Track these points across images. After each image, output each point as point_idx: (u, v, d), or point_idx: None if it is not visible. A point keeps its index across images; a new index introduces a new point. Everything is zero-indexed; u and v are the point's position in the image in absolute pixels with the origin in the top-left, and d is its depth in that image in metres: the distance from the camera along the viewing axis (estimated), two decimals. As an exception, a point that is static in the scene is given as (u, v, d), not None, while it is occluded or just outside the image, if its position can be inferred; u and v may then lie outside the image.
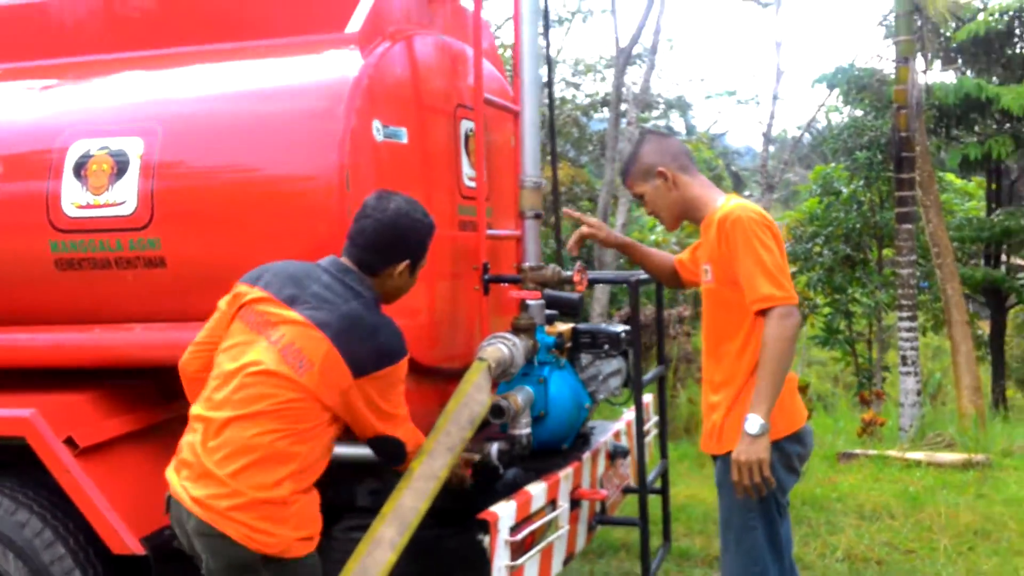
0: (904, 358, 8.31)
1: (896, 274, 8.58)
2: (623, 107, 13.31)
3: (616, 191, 12.26)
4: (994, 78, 14.70)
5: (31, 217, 3.20)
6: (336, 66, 3.14)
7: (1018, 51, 14.70)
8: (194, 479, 2.52)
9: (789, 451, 3.01)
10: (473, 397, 3.01)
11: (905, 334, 8.31)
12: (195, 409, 2.65)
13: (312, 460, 2.59)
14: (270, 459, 2.50)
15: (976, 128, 14.02)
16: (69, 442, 3.06)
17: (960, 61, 15.22)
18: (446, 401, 3.19)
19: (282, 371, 2.54)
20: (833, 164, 15.68)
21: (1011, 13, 14.00)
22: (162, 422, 3.40)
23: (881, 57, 15.32)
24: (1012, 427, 8.13)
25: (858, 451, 7.28)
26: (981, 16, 14.08)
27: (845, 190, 12.77)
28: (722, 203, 3.06)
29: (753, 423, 2.82)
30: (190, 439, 2.59)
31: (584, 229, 3.50)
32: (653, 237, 15.86)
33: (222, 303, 2.75)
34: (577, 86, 17.57)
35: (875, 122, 12.17)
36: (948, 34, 13.26)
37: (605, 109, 15.28)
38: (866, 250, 14.35)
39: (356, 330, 2.61)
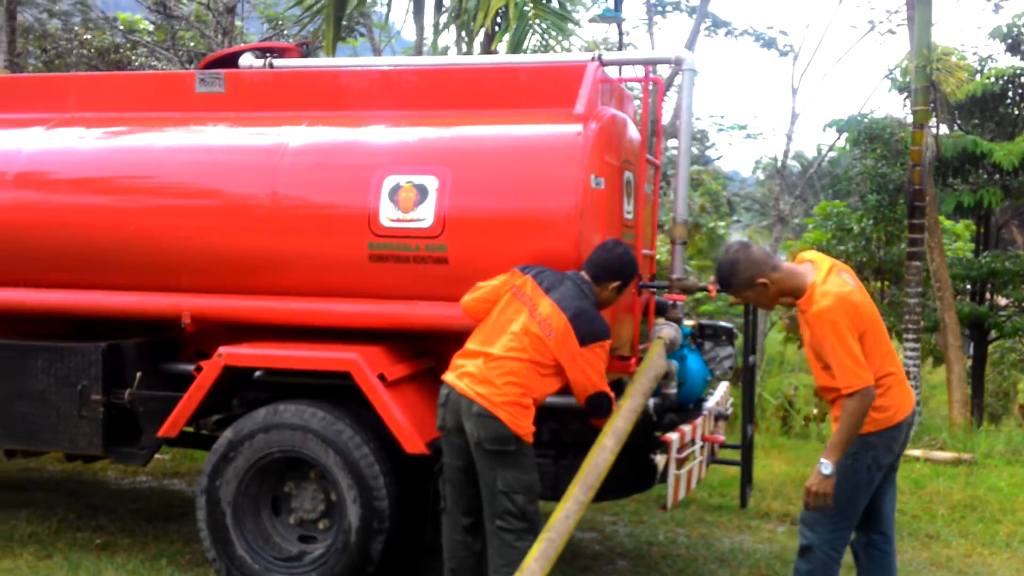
0: (907, 373, 9.87)
1: (905, 303, 10.16)
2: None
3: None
4: (987, 134, 16.38)
5: (357, 225, 4.71)
6: (570, 136, 4.65)
7: (1010, 111, 16.37)
8: (477, 383, 4.08)
9: (888, 436, 3.96)
10: (656, 362, 4.55)
11: (910, 353, 9.88)
12: (475, 346, 4.21)
13: (540, 392, 4.17)
14: (524, 382, 4.09)
15: (970, 179, 15.62)
16: (381, 377, 4.57)
17: (957, 116, 16.89)
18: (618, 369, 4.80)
19: (539, 335, 4.11)
20: (835, 200, 17.36)
21: (1005, 77, 15.64)
22: (420, 371, 4.92)
23: (884, 110, 16.82)
24: (992, 436, 9.72)
25: (867, 448, 8.82)
26: (978, 77, 15.74)
27: (856, 228, 14.35)
28: (812, 282, 3.90)
29: (826, 467, 3.78)
30: (472, 361, 4.14)
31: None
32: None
33: (500, 277, 4.34)
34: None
35: (884, 170, 13.78)
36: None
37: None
38: (865, 282, 15.92)
39: (583, 316, 4.18)
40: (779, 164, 16.46)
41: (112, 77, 5.67)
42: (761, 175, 36.01)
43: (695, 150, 25.61)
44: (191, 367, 5.06)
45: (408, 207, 4.67)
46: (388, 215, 4.68)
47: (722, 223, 20.89)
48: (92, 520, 5.85)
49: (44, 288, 5.26)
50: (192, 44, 14.59)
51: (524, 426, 4.09)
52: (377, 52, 16.33)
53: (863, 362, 3.80)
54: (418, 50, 11.35)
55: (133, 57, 14.06)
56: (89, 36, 14.95)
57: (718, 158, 29.56)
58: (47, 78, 5.78)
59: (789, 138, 16.56)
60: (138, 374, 5.09)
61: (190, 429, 5.31)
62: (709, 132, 23.30)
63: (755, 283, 4.00)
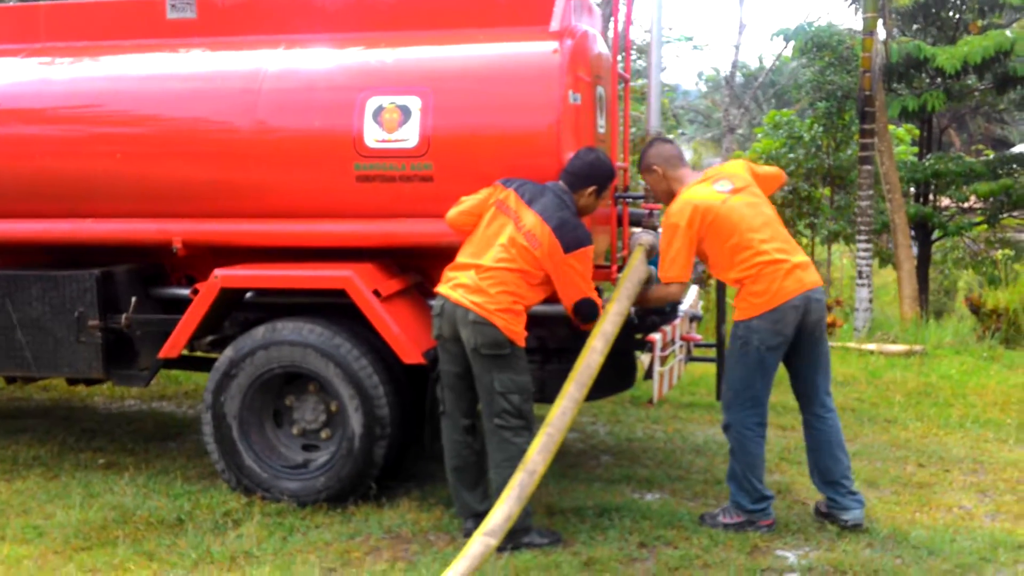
0: (860, 272, 10.33)
1: (857, 206, 10.55)
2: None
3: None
4: (929, 39, 16.68)
5: (343, 147, 4.85)
6: (548, 54, 4.80)
7: (951, 15, 16.68)
8: (471, 293, 4.30)
9: (769, 319, 4.42)
10: (638, 268, 4.79)
11: (862, 254, 10.32)
12: (466, 259, 4.43)
13: (531, 299, 4.41)
14: (515, 290, 4.32)
15: (914, 83, 15.96)
16: (376, 293, 4.76)
17: (901, 22, 17.17)
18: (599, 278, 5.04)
19: (526, 246, 4.33)
20: (780, 109, 17.64)
21: (946, -19, 15.93)
22: (410, 286, 5.11)
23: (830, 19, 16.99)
24: (940, 329, 10.23)
25: (823, 344, 9.25)
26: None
27: (806, 135, 14.67)
28: (681, 188, 4.61)
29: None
30: (465, 273, 4.36)
31: None
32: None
33: (484, 191, 4.53)
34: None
35: (833, 77, 14.06)
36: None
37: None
38: (812, 189, 16.33)
39: (566, 225, 4.40)
40: (728, 75, 16.60)
41: (81, 5, 5.63)
42: (704, 87, 36.10)
43: (641, 64, 25.67)
44: (185, 291, 5.22)
45: (392, 128, 4.81)
46: (373, 136, 4.82)
47: (669, 136, 21.10)
48: (91, 442, 6.01)
49: (31, 219, 5.34)
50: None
51: (517, 331, 4.33)
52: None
53: (679, 265, 4.52)
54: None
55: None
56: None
57: (662, 71, 29.52)
58: (14, 8, 5.75)
59: (737, 48, 16.70)
60: (133, 299, 5.23)
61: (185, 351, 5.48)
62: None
63: (651, 168, 4.69)
